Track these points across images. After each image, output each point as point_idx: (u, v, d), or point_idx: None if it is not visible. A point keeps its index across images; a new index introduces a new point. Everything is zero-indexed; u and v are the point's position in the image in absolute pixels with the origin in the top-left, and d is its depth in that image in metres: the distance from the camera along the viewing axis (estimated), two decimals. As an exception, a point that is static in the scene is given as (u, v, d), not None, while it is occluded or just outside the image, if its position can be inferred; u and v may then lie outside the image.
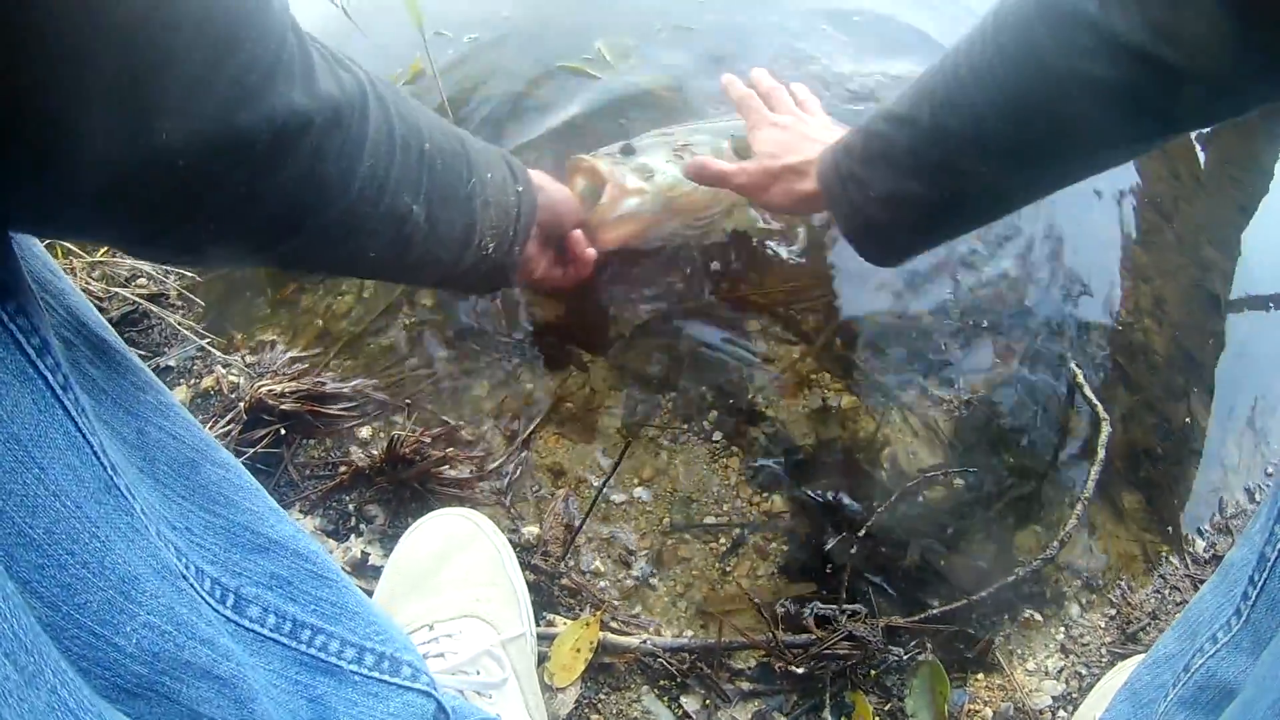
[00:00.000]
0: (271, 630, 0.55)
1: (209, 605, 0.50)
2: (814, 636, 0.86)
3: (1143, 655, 0.95)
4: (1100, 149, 0.70)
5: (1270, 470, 1.15)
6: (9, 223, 0.42)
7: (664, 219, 1.02)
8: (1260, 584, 0.60)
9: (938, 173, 0.75)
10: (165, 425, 0.52)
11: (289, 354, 1.04)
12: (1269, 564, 0.59)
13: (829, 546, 0.89)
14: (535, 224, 0.82)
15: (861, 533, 0.87)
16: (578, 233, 0.92)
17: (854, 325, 1.03)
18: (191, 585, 0.49)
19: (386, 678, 0.61)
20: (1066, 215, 1.16)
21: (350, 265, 0.70)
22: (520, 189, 0.80)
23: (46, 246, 0.47)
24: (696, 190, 1.00)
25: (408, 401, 0.96)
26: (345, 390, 1.00)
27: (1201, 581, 1.06)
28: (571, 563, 0.89)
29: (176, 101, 0.42)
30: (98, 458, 0.43)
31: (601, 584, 0.88)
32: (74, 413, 0.42)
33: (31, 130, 0.37)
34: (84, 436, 0.42)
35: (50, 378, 0.41)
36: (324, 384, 1.01)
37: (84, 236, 0.56)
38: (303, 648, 0.57)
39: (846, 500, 0.91)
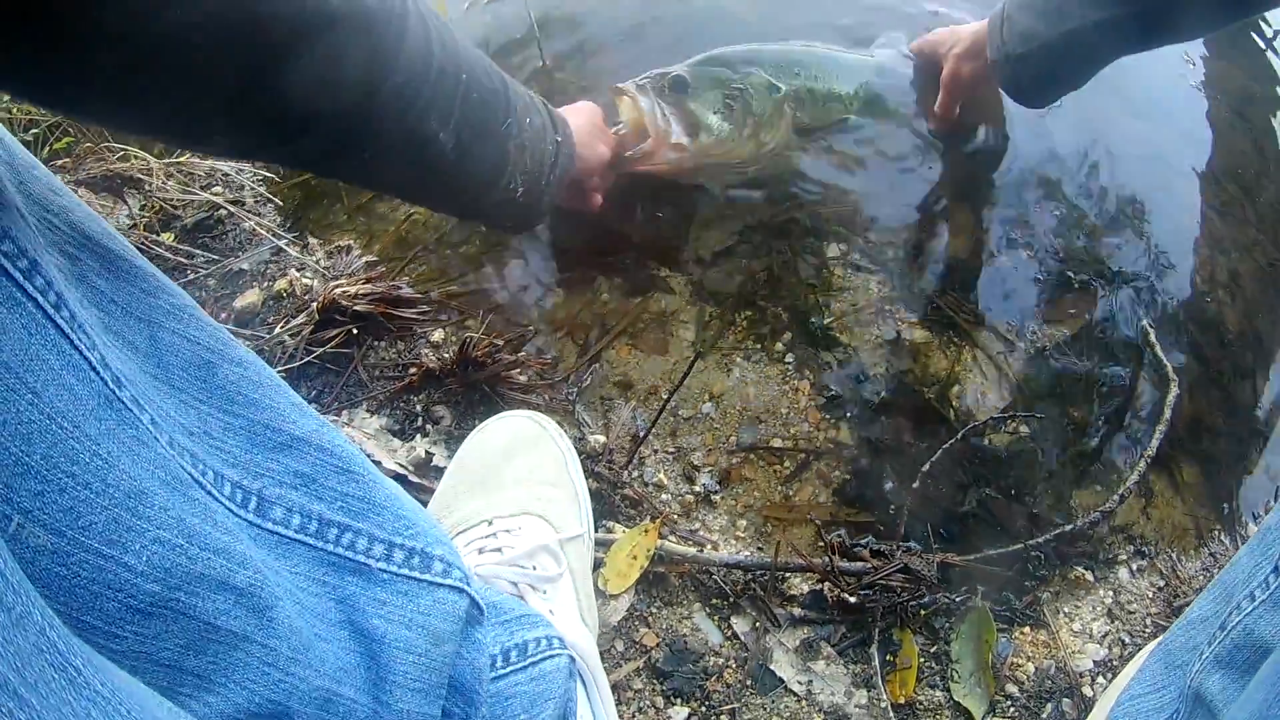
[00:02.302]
0: (297, 531, 0.54)
1: (229, 511, 0.49)
2: (869, 566, 0.86)
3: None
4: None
5: None
6: (30, 97, 0.43)
7: (701, 168, 1.04)
8: None
9: (1057, 14, 0.96)
10: (178, 329, 0.51)
11: (365, 259, 1.06)
12: None
13: (890, 482, 0.90)
14: (569, 177, 0.83)
15: (926, 467, 0.88)
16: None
17: (933, 261, 1.04)
18: (209, 493, 0.48)
19: (417, 574, 0.58)
20: (1150, 181, 1.16)
21: (364, 177, 0.71)
22: (559, 139, 0.80)
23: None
24: (741, 147, 1.02)
25: (483, 309, 0.97)
26: (419, 295, 1.02)
27: (1251, 565, 1.06)
28: (635, 473, 0.89)
29: None
30: (98, 373, 0.42)
31: (663, 496, 0.89)
32: (69, 331, 0.41)
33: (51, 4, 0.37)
34: (81, 354, 0.41)
35: (40, 299, 0.40)
36: (399, 288, 1.02)
37: (98, 117, 0.57)
38: (330, 547, 0.55)
39: (911, 437, 0.91)
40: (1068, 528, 0.91)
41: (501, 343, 0.94)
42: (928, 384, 0.95)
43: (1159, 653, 0.75)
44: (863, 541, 0.88)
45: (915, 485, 0.87)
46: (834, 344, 0.96)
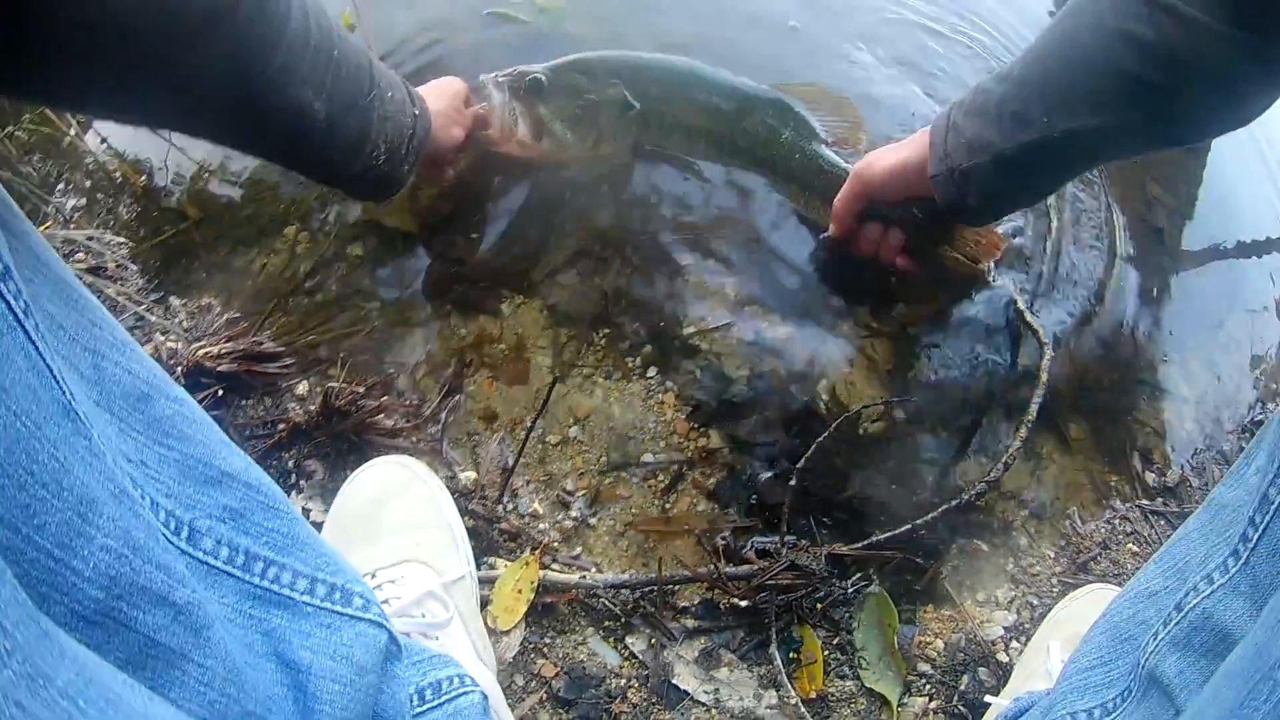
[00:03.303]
0: (225, 563, 0.55)
1: (165, 536, 0.51)
2: (756, 567, 0.85)
3: (1098, 585, 0.95)
4: (1131, 114, 0.78)
5: (1260, 416, 1.15)
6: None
7: (545, 163, 1.06)
8: (1262, 526, 0.58)
9: (1013, 122, 0.83)
10: (120, 360, 0.52)
11: (226, 316, 1.03)
12: (1273, 506, 0.57)
13: (766, 481, 0.88)
14: (425, 148, 0.88)
15: (799, 464, 0.87)
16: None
17: (787, 257, 1.03)
18: (148, 514, 0.49)
19: (339, 608, 0.61)
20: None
21: (258, 145, 0.78)
22: (417, 113, 0.86)
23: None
24: (581, 150, 1.04)
25: (342, 355, 0.95)
26: (281, 348, 0.99)
27: (1154, 513, 1.06)
28: (510, 506, 0.88)
29: None
30: (57, 382, 0.43)
31: (540, 526, 0.87)
32: (34, 337, 0.42)
33: None
34: (44, 360, 0.42)
35: (13, 302, 0.41)
36: (261, 343, 1.00)
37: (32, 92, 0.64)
38: (255, 579, 0.57)
39: (783, 435, 0.90)
40: (953, 502, 0.90)
41: (363, 389, 0.92)
42: (794, 380, 0.94)
43: (1104, 624, 0.74)
44: (748, 544, 0.87)
45: (793, 482, 0.85)
46: (694, 352, 0.95)
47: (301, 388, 0.97)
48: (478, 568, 0.86)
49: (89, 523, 0.42)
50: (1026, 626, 0.96)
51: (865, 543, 0.88)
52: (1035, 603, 0.98)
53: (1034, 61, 0.83)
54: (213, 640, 0.49)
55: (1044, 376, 0.97)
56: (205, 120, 0.71)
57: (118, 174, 1.14)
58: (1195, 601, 0.62)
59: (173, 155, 1.14)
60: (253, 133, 0.74)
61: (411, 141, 0.85)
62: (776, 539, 0.86)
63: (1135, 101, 0.77)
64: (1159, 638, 0.64)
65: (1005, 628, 0.96)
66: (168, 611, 0.46)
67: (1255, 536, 0.59)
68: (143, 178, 1.14)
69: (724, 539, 0.86)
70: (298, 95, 0.70)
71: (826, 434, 0.86)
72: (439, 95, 0.95)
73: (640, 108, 1.04)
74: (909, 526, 0.88)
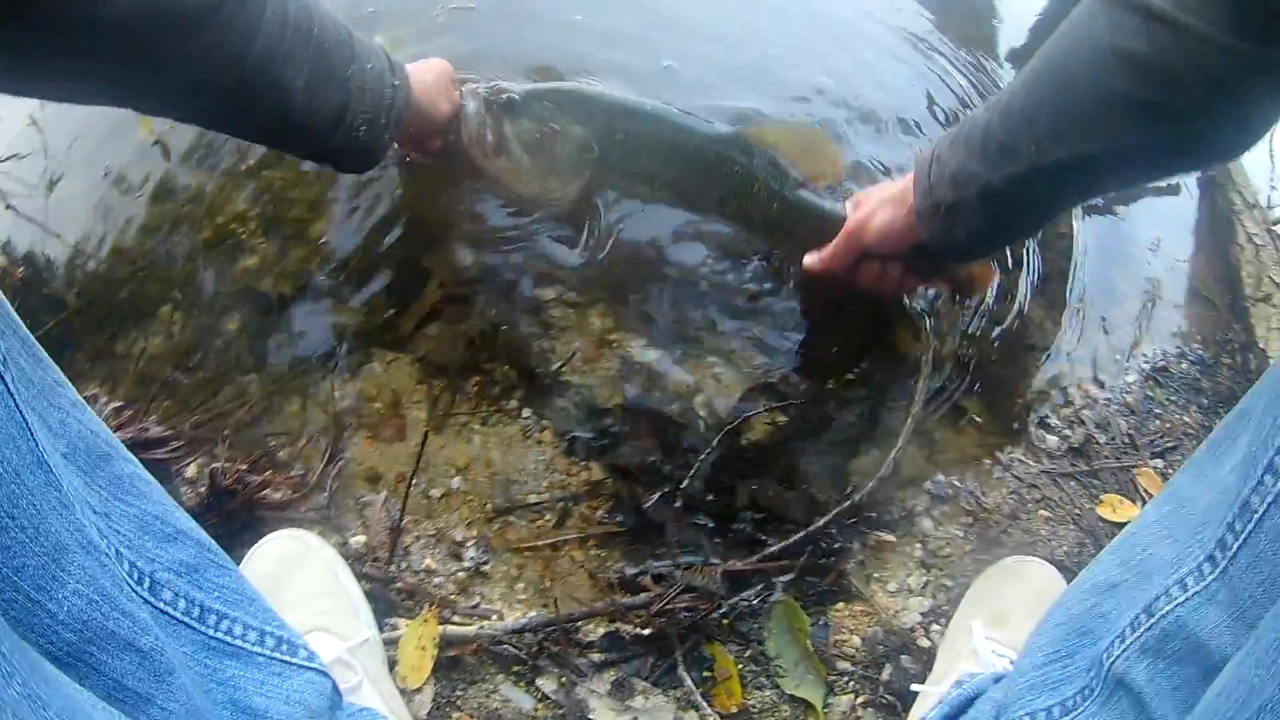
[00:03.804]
0: (183, 614, 0.59)
1: (129, 585, 0.54)
2: (653, 594, 0.86)
3: (1013, 557, 0.96)
4: (1127, 139, 0.72)
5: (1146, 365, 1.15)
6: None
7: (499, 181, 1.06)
8: (1243, 535, 0.55)
9: (999, 153, 0.78)
10: (83, 419, 0.56)
11: (111, 404, 1.02)
12: (1255, 515, 0.54)
13: (652, 504, 0.89)
14: (405, 119, 0.90)
15: (684, 484, 0.87)
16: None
17: (649, 282, 1.03)
18: (114, 564, 0.52)
19: (287, 658, 0.66)
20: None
21: (241, 127, 0.82)
22: (396, 83, 0.88)
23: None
24: (528, 185, 1.04)
25: (226, 433, 0.95)
26: (168, 432, 0.99)
27: (1062, 475, 1.07)
28: (403, 564, 0.88)
29: None
30: (31, 434, 0.45)
31: (436, 580, 0.87)
32: (11, 388, 0.44)
33: None
34: (20, 412, 0.45)
35: None
36: (147, 429, 0.99)
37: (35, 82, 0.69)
38: (210, 631, 0.61)
39: (663, 456, 0.90)
40: (844, 504, 0.91)
41: (247, 466, 0.92)
42: (668, 401, 0.94)
43: (1058, 616, 0.73)
44: (642, 570, 0.87)
45: (678, 504, 0.86)
46: (566, 388, 0.95)
47: (191, 470, 0.97)
48: (380, 629, 0.86)
49: (62, 569, 0.45)
50: (944, 609, 0.97)
51: (761, 555, 0.88)
52: (950, 584, 0.98)
53: (1022, 87, 0.77)
54: (175, 685, 0.52)
55: (927, 364, 0.97)
56: (195, 106, 0.77)
57: (-3, 268, 1.13)
58: (1168, 608, 0.61)
59: (49, 243, 1.13)
60: (240, 115, 0.78)
61: (391, 111, 0.87)
62: (669, 562, 0.86)
63: (1131, 125, 0.71)
64: (1126, 641, 0.63)
65: (922, 613, 0.96)
66: (134, 657, 0.49)
67: (1235, 545, 0.56)
68: (20, 269, 1.13)
69: (619, 571, 0.86)
70: (279, 75, 0.75)
71: (709, 451, 0.86)
72: (425, 70, 0.97)
73: (599, 153, 1.02)
74: (802, 535, 0.88)
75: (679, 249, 1.07)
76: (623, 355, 0.96)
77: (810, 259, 0.99)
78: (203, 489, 0.93)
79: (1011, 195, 0.79)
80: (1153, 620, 0.61)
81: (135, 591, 0.55)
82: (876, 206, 0.92)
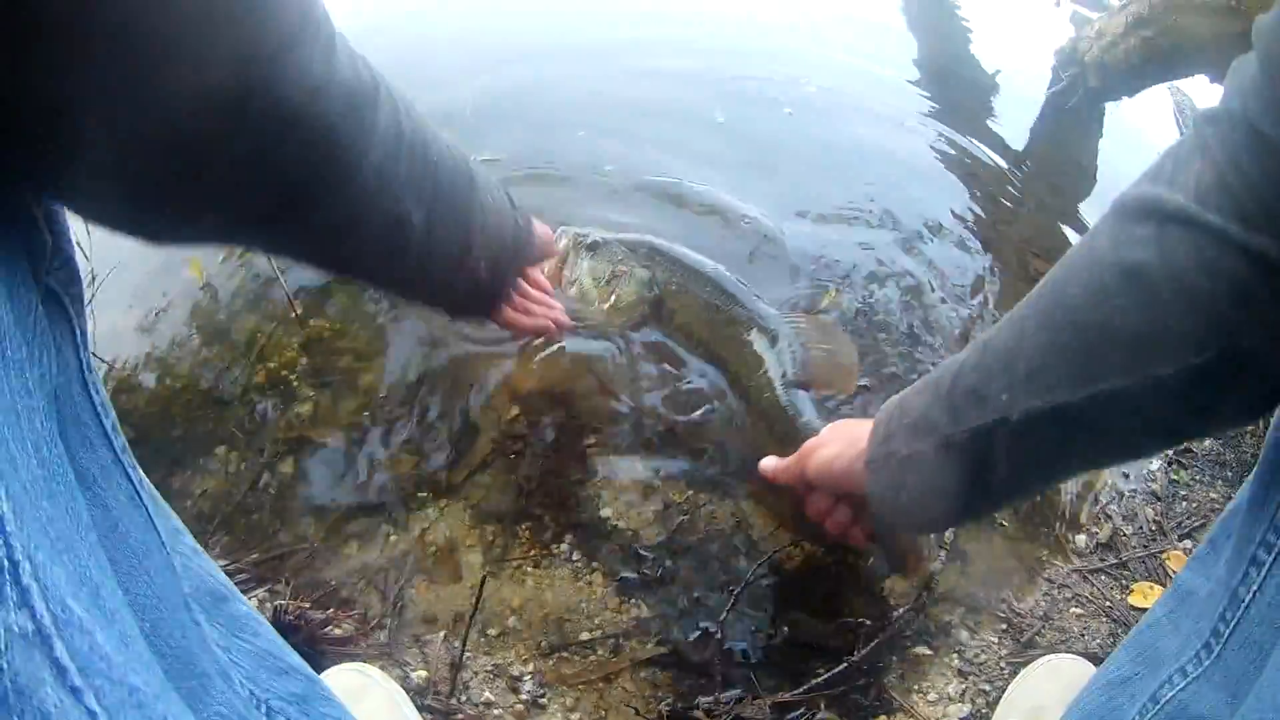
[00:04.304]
0: None
1: (254, 710, 0.59)
2: (703, 727, 0.89)
3: (1047, 655, 0.99)
4: (1119, 383, 0.55)
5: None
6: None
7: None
8: (1233, 622, 0.60)
9: (966, 399, 0.65)
10: (201, 564, 0.60)
11: (172, 540, 1.07)
12: (1243, 604, 0.59)
13: (698, 638, 0.92)
14: (527, 256, 0.81)
15: (723, 616, 0.91)
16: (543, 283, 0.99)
17: (692, 425, 1.08)
18: (242, 691, 0.57)
19: None
20: (895, 253, 1.20)
21: (345, 264, 0.66)
22: (518, 219, 0.78)
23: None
24: (593, 312, 1.16)
25: (286, 574, 0.99)
26: (228, 567, 1.03)
27: (1089, 572, 1.10)
28: (463, 698, 0.91)
29: (184, 54, 0.39)
30: (176, 576, 0.50)
31: (495, 712, 0.91)
32: (162, 535, 0.48)
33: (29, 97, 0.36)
34: (168, 556, 0.49)
35: (148, 507, 0.48)
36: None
37: (81, 207, 0.49)
38: None
39: (705, 592, 0.94)
40: (882, 635, 0.94)
41: (309, 604, 0.96)
42: (711, 539, 0.98)
43: (1075, 714, 0.77)
44: (693, 705, 0.90)
45: (723, 638, 0.89)
46: (614, 530, 0.99)
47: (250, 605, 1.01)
48: (443, 762, 0.90)
49: (207, 693, 0.49)
50: (984, 712, 1.00)
51: (807, 686, 0.92)
52: (988, 689, 1.01)
53: (1008, 322, 0.63)
54: None
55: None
56: (283, 239, 0.58)
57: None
58: (1171, 694, 0.65)
59: (98, 368, 1.18)
60: (342, 252, 0.61)
61: (514, 251, 0.77)
62: (713, 697, 0.89)
63: (1130, 364, 0.55)
64: None
65: (961, 718, 0.99)
66: None
67: (1226, 632, 0.61)
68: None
69: (668, 705, 0.89)
70: (394, 205, 0.60)
71: (746, 583, 0.90)
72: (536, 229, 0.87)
73: (659, 294, 1.16)
74: (845, 665, 0.92)
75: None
76: (665, 497, 1.00)
77: (766, 463, 0.93)
78: (266, 625, 0.97)
79: (973, 455, 0.64)
80: (1158, 706, 0.65)
81: (259, 716, 0.60)
82: (832, 438, 0.84)
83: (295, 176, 0.51)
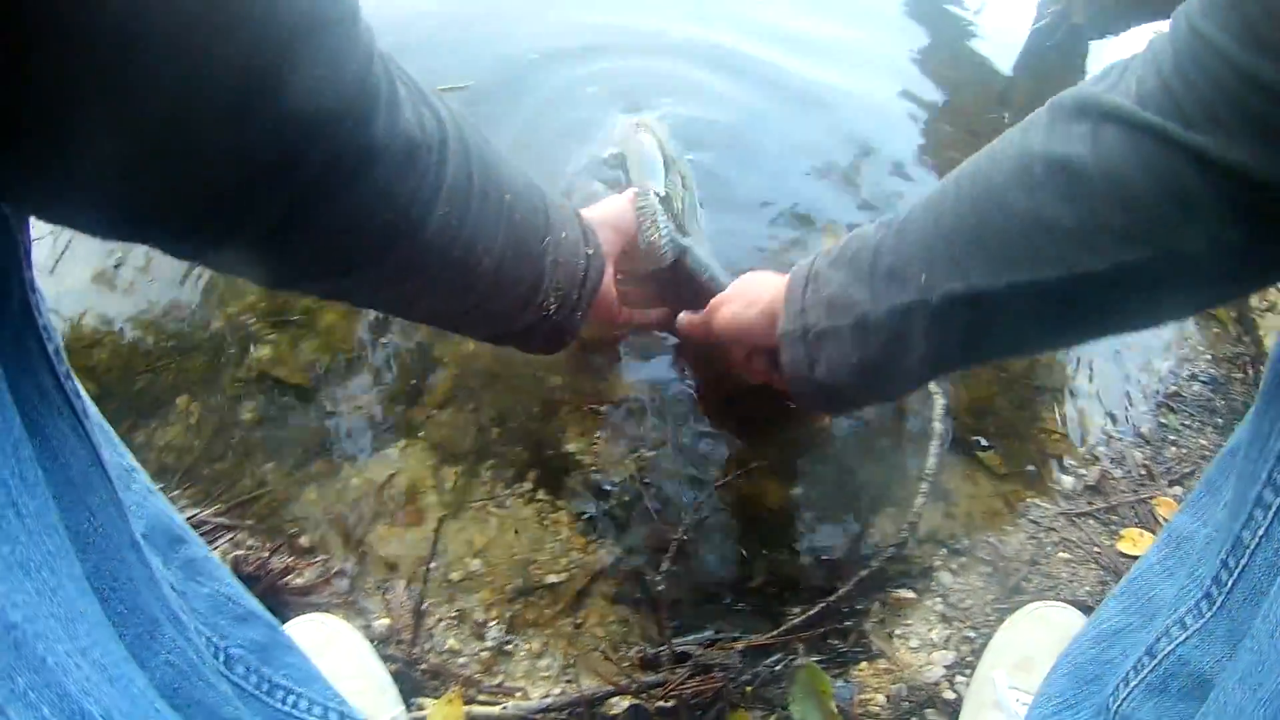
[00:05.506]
0: (254, 688, 0.63)
1: (209, 658, 0.56)
2: (673, 672, 0.86)
3: (1034, 603, 0.96)
4: (1046, 272, 0.55)
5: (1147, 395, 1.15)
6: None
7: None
8: (1237, 570, 0.55)
9: (887, 279, 0.65)
10: (157, 504, 0.58)
11: (136, 492, 1.04)
12: (1247, 550, 0.54)
13: (668, 577, 0.89)
14: (600, 289, 0.79)
15: (675, 544, 0.87)
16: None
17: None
18: (196, 638, 0.54)
19: None
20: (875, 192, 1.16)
21: (403, 308, 0.65)
22: (590, 252, 0.76)
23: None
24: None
25: (248, 521, 0.96)
26: (191, 519, 1.00)
27: (1077, 516, 1.07)
28: (427, 645, 0.89)
29: (220, 106, 0.37)
30: (126, 515, 0.47)
31: (460, 660, 0.88)
32: (108, 470, 0.46)
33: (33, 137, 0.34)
34: (115, 492, 0.46)
35: (90, 436, 0.45)
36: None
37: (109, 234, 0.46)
38: (278, 705, 0.64)
39: (674, 529, 0.91)
40: (863, 573, 0.91)
41: (268, 553, 0.93)
42: (680, 470, 0.95)
43: (1065, 664, 0.74)
44: (662, 647, 0.87)
45: (696, 576, 0.86)
46: (577, 466, 0.96)
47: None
48: (409, 709, 0.87)
49: (155, 640, 0.47)
50: (969, 660, 0.97)
51: (784, 628, 0.89)
52: (973, 635, 0.98)
53: (926, 203, 0.64)
54: None
55: (938, 426, 0.98)
56: (349, 287, 0.57)
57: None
58: (1169, 647, 0.61)
59: (59, 324, 1.15)
60: (407, 299, 0.61)
61: (584, 285, 0.75)
62: (690, 637, 0.86)
63: (1058, 256, 0.54)
64: (1130, 683, 0.63)
65: (945, 667, 0.96)
66: None
67: (1230, 581, 0.56)
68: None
69: (639, 649, 0.86)
70: (465, 253, 0.59)
71: (694, 508, 0.86)
72: (603, 225, 0.84)
73: None
74: (823, 605, 0.89)
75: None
76: (632, 432, 0.97)
77: (681, 318, 0.94)
78: (227, 576, 0.94)
79: (891, 333, 0.65)
80: (1155, 660, 0.61)
81: (214, 665, 0.58)
82: (735, 295, 0.85)
83: (342, 239, 0.49)
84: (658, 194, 0.95)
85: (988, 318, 0.60)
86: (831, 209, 1.23)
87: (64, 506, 0.42)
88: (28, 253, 0.42)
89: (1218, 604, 0.57)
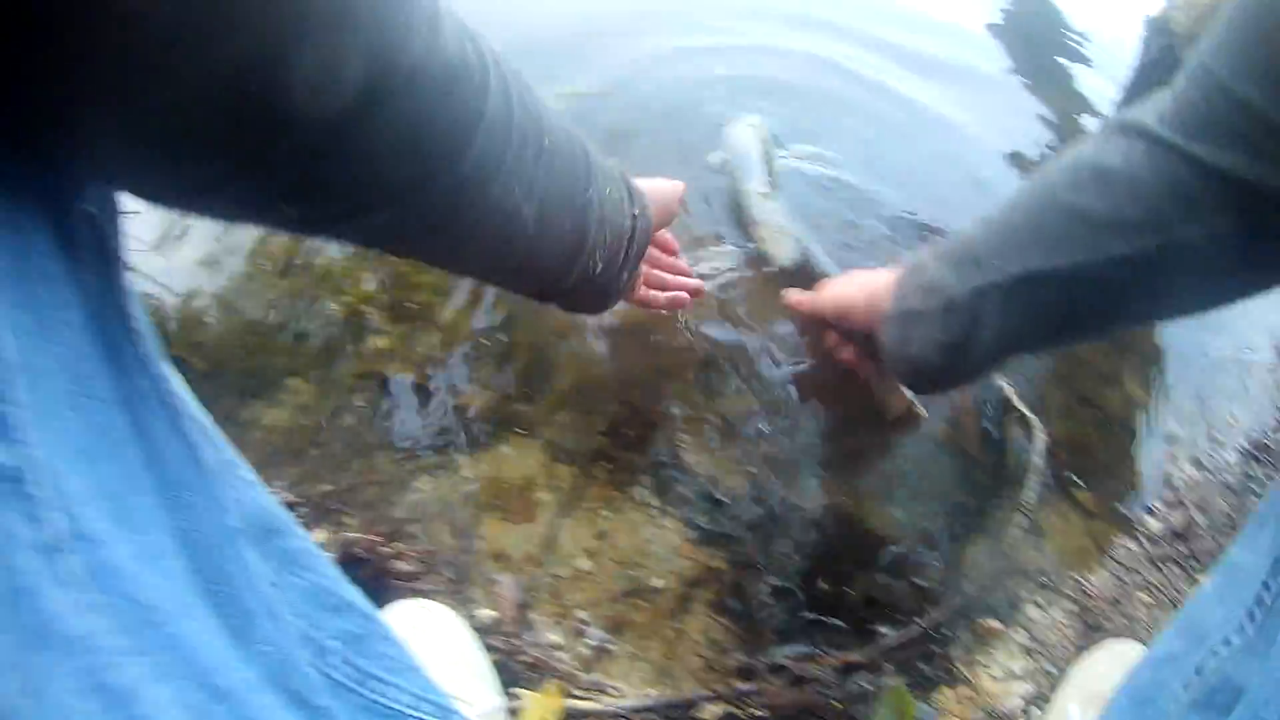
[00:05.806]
0: (345, 678, 0.62)
1: (302, 649, 0.56)
2: (768, 683, 0.88)
3: (1110, 640, 0.97)
4: (1090, 257, 0.68)
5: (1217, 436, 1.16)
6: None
7: None
8: (1276, 590, 0.60)
9: (971, 265, 0.75)
10: (257, 497, 0.57)
11: (240, 470, 1.07)
12: None
13: (770, 592, 0.91)
14: (647, 252, 0.77)
15: (796, 570, 0.89)
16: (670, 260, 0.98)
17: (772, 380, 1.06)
18: (290, 630, 0.55)
19: None
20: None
21: (450, 257, 0.62)
22: (636, 212, 0.73)
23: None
24: None
25: (357, 508, 0.99)
26: (297, 499, 1.03)
27: (1161, 560, 1.08)
28: (529, 638, 0.91)
29: (256, 20, 0.35)
30: (222, 510, 0.48)
31: (560, 655, 0.91)
32: (207, 467, 0.47)
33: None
34: (211, 488, 0.47)
35: (189, 436, 0.46)
36: (275, 494, 1.04)
37: (137, 186, 0.44)
38: (370, 695, 0.63)
39: (786, 545, 0.93)
40: (957, 600, 0.93)
41: (378, 537, 0.96)
42: (790, 491, 0.96)
43: (1126, 690, 0.76)
44: (760, 658, 0.89)
45: (797, 593, 0.88)
46: (690, 476, 0.98)
47: (319, 535, 1.01)
48: (506, 699, 0.89)
49: (252, 629, 0.48)
50: (1045, 694, 0.98)
51: (879, 647, 0.90)
52: (1052, 669, 1.00)
53: (1009, 201, 0.75)
54: None
55: (1037, 461, 0.99)
56: (379, 229, 0.53)
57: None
58: (1214, 664, 0.64)
59: (169, 304, 1.18)
60: (448, 244, 0.58)
61: (631, 247, 0.73)
62: (787, 649, 0.88)
63: (1092, 242, 0.67)
64: (1180, 701, 0.66)
65: (1023, 697, 0.98)
66: (310, 714, 0.51)
67: (1270, 599, 0.60)
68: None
69: (736, 657, 0.88)
70: (504, 195, 0.56)
71: (805, 516, 0.89)
72: (657, 191, 0.83)
73: None
74: (920, 628, 0.91)
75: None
76: (745, 449, 0.99)
77: (791, 293, 1.01)
78: (332, 556, 0.97)
79: (969, 312, 0.75)
80: (1201, 678, 0.64)
81: (307, 656, 0.58)
82: (847, 280, 0.93)
83: (383, 162, 0.46)
84: (761, 193, 1.01)
85: (1044, 298, 0.72)
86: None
87: (164, 506, 0.43)
88: (119, 255, 0.43)
89: (1258, 621, 0.62)
